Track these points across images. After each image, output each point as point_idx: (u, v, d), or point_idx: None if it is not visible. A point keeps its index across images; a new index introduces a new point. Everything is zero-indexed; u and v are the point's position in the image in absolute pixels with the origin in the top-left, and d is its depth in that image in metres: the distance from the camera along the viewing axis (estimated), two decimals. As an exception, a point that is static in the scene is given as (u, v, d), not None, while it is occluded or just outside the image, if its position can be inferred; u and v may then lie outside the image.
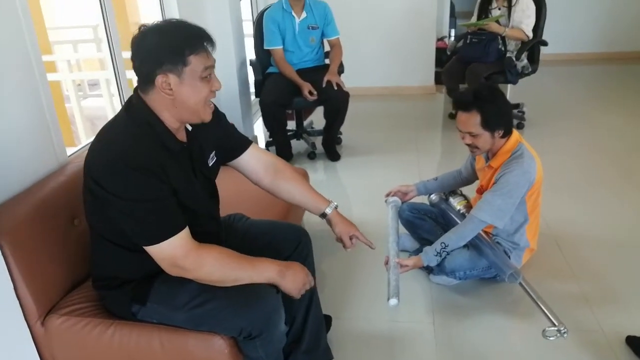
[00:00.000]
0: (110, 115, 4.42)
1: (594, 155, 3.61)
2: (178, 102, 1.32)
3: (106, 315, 1.53)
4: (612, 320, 2.02)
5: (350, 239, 1.69)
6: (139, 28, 1.31)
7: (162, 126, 1.36)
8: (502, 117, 1.99)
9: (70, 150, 2.06)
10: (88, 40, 5.74)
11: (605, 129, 4.12)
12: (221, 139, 1.60)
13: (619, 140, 3.89)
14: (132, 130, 1.33)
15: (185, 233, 1.34)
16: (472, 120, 1.97)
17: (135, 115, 1.35)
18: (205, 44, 1.32)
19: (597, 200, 2.98)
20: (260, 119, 3.77)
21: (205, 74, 1.32)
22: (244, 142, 1.68)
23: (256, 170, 1.69)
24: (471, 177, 2.37)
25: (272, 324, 1.41)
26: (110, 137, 1.35)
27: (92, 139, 2.34)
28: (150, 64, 1.28)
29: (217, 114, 1.55)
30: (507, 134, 2.03)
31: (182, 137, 1.43)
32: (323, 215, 1.71)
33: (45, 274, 1.56)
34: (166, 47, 1.27)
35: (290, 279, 1.44)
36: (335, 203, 1.72)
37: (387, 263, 1.91)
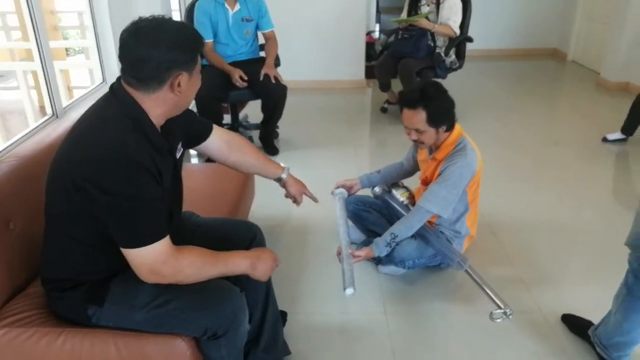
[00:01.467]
0: (29, 109, 4.11)
1: (513, 147, 3.83)
2: (181, 99, 1.31)
3: (55, 322, 1.43)
4: (547, 300, 2.17)
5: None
6: (130, 28, 1.23)
7: (151, 125, 1.29)
8: (446, 114, 2.05)
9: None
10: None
11: (523, 120, 4.38)
12: (186, 127, 1.55)
13: (536, 131, 4.16)
14: (128, 128, 1.25)
15: (168, 238, 1.29)
16: (417, 117, 2.02)
17: (128, 112, 1.27)
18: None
19: (520, 189, 3.18)
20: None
21: (199, 68, 1.33)
22: (207, 126, 1.69)
23: (221, 150, 1.72)
24: (413, 169, 2.44)
25: (237, 323, 1.40)
26: (106, 134, 1.25)
27: (12, 138, 2.16)
28: (166, 64, 1.23)
29: None
30: (450, 128, 2.11)
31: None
32: (279, 180, 1.85)
33: (-20, 283, 1.43)
34: (185, 47, 1.26)
35: (261, 268, 1.48)
36: (288, 166, 1.87)
37: (339, 254, 1.93)
